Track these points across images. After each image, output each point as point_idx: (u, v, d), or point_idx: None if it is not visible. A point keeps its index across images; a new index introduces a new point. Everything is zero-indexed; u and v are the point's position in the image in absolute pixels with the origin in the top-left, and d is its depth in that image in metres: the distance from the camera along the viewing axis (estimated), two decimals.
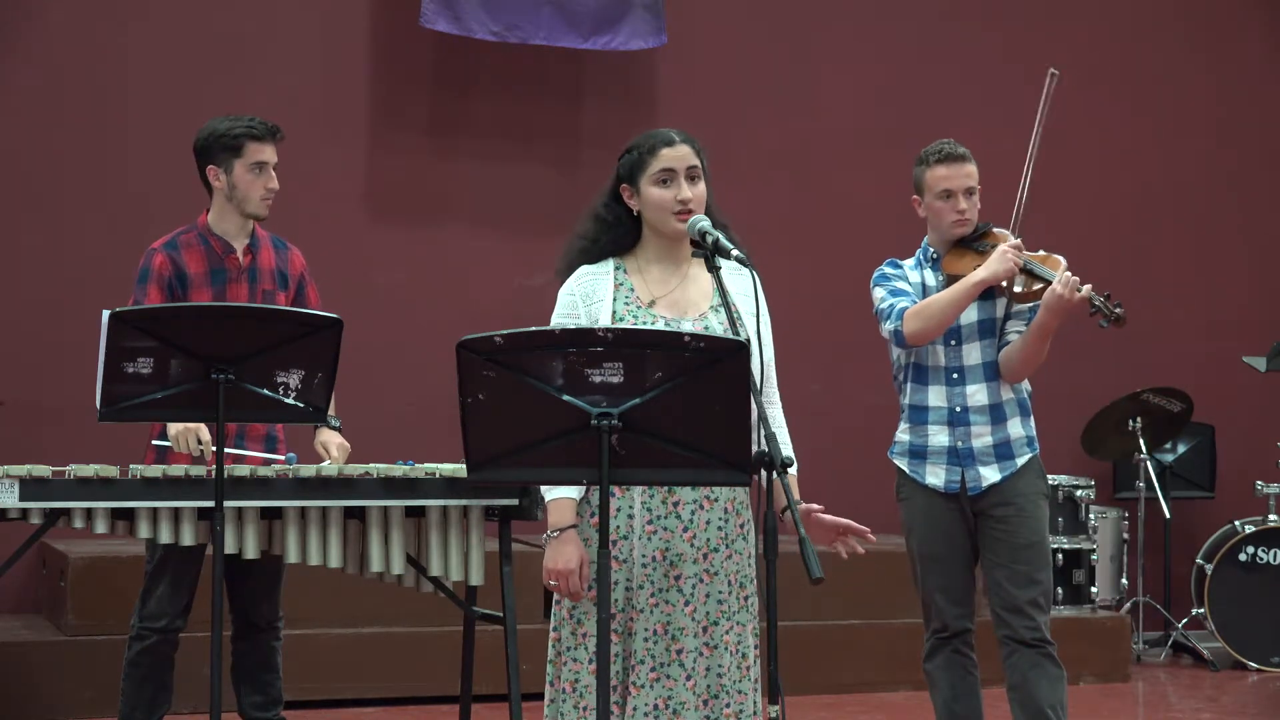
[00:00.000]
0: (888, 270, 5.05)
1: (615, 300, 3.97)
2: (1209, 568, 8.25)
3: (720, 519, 3.93)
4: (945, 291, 4.89)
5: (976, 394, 4.92)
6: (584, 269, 4.03)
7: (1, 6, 7.68)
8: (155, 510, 4.66)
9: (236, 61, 7.90)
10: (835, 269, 8.65)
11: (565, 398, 3.38)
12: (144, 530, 4.67)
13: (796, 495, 3.71)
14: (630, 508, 3.89)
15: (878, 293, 5.00)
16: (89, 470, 4.60)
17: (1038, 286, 4.86)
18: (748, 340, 3.46)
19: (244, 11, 7.97)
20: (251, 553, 4.74)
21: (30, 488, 4.57)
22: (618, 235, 4.04)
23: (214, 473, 4.30)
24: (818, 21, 8.81)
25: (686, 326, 3.93)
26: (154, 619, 5.10)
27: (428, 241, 8.21)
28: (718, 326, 3.94)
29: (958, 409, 4.92)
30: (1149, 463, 8.38)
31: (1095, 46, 9.16)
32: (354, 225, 8.05)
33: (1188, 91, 9.36)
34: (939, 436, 4.94)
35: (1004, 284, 4.88)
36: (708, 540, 3.91)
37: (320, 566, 4.81)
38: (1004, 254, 4.85)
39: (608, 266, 4.03)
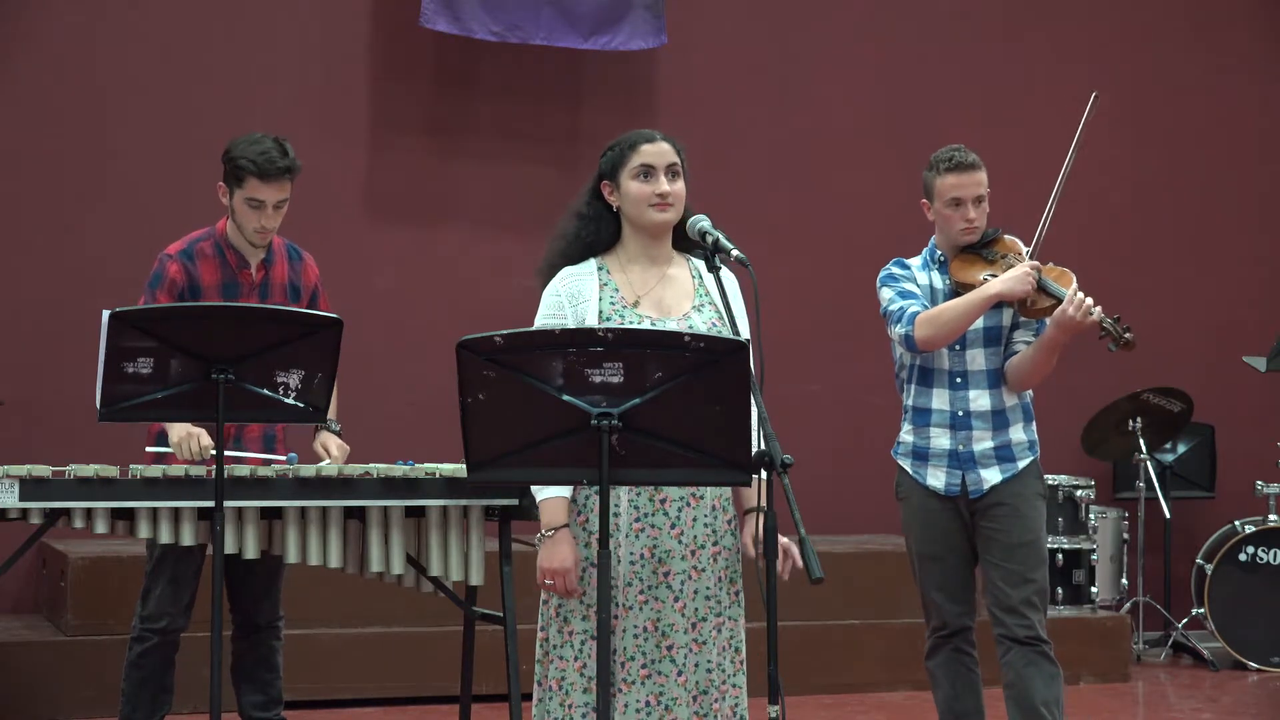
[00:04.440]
0: (895, 270, 5.01)
1: (601, 300, 3.98)
2: (1209, 568, 8.24)
3: (708, 516, 3.94)
4: (957, 301, 4.85)
5: (979, 399, 4.91)
6: (567, 270, 4.04)
7: (2, 7, 7.68)
8: (155, 510, 4.66)
9: (237, 61, 7.90)
10: (835, 269, 8.65)
11: (565, 398, 3.38)
12: (144, 530, 4.67)
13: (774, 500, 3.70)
14: (617, 506, 3.90)
15: (886, 293, 4.96)
16: (89, 470, 4.60)
17: (1048, 303, 4.82)
18: (748, 340, 3.47)
19: (244, 11, 7.97)
20: (251, 553, 4.74)
21: (30, 488, 4.57)
22: (597, 229, 4.05)
23: (214, 473, 4.31)
24: (817, 22, 8.81)
25: (671, 326, 3.93)
26: (154, 620, 5.10)
27: (428, 242, 8.20)
28: (701, 326, 3.96)
29: (960, 413, 4.92)
30: (1149, 463, 8.37)
31: (1095, 47, 9.15)
32: (354, 225, 8.05)
33: (1187, 92, 9.36)
34: (941, 439, 4.93)
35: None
36: (695, 537, 3.92)
37: (320, 566, 4.81)
38: (1025, 275, 4.80)
39: (590, 267, 4.04)
